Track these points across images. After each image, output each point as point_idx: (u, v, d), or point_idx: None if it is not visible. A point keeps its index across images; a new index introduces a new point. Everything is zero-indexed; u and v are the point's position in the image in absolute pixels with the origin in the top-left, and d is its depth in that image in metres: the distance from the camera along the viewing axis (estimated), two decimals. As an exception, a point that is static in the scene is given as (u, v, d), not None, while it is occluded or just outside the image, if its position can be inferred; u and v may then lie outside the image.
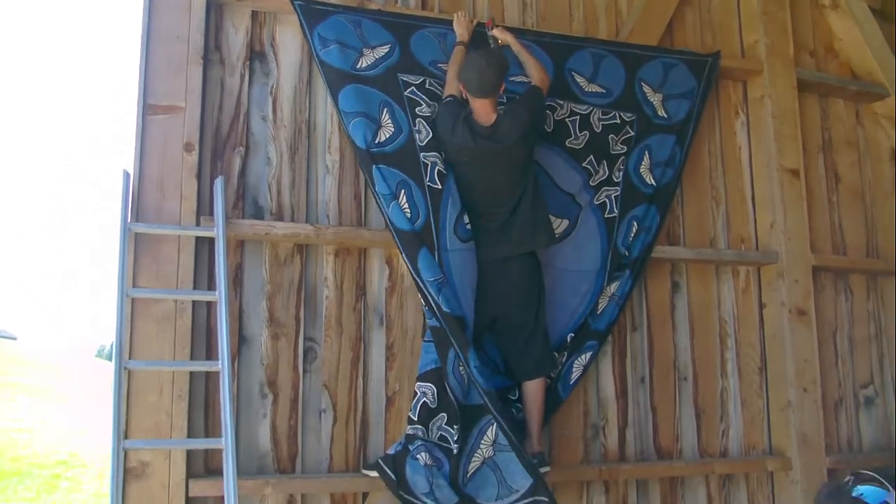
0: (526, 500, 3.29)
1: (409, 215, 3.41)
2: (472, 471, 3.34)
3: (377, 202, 3.50)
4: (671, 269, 4.17)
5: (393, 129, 3.50)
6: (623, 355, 3.98)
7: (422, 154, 3.49)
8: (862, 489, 1.42)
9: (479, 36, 3.73)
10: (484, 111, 3.38)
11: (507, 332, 3.56)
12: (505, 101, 3.57)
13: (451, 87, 3.50)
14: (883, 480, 1.48)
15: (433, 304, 3.35)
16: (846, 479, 1.47)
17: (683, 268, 4.19)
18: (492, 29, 3.71)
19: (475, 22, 3.77)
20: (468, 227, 3.45)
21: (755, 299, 4.33)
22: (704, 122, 4.28)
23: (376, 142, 3.47)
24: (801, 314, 4.21)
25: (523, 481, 3.29)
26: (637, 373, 4.01)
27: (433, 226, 3.42)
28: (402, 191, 3.43)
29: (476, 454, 3.35)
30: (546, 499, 3.27)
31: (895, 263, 4.63)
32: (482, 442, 3.35)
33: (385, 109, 3.53)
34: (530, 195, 3.47)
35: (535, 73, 3.59)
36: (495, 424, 3.36)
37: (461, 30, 3.68)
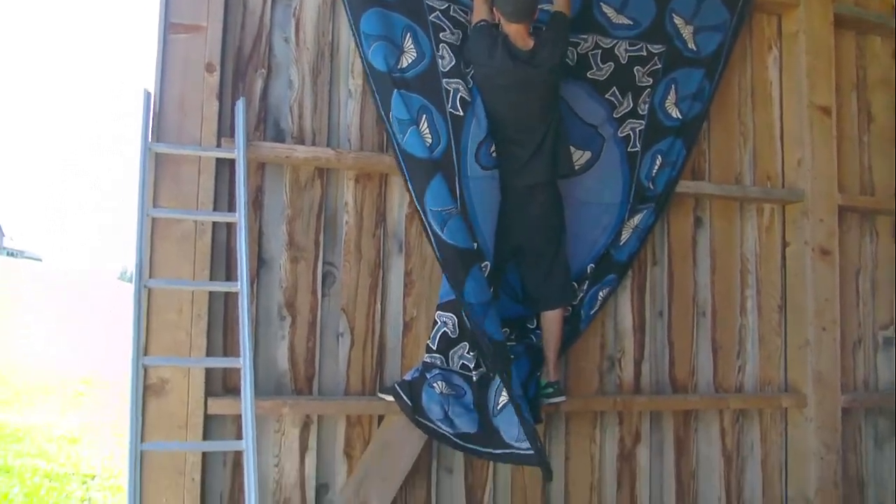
0: (528, 452, 3.30)
1: (429, 142, 3.37)
2: (502, 405, 3.36)
3: (389, 130, 3.44)
4: (695, 204, 4.12)
5: (416, 55, 3.44)
6: (642, 289, 3.98)
7: (444, 80, 3.43)
8: None
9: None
10: (520, 36, 3.34)
11: (529, 261, 3.55)
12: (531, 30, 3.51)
13: (482, 13, 3.44)
14: None
15: (434, 236, 3.33)
16: None
17: (707, 203, 4.15)
18: None
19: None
20: (493, 154, 3.42)
21: (778, 237, 4.28)
22: (736, 56, 4.18)
23: (398, 67, 3.41)
24: (825, 254, 4.16)
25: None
26: (656, 307, 4.01)
27: (454, 152, 3.38)
28: (424, 116, 3.39)
29: (504, 391, 3.36)
30: (533, 453, 3.25)
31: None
32: None
33: (408, 34, 3.46)
34: (556, 125, 3.45)
35: None
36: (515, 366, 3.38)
37: (490, -46, 3.59)
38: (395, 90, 3.40)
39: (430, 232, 3.36)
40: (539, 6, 3.48)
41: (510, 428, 3.30)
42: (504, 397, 3.33)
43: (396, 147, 3.42)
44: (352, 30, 3.51)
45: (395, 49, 3.43)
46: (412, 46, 3.45)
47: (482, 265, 3.34)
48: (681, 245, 4.08)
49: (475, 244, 3.34)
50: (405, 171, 3.41)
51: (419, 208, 3.39)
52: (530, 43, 3.34)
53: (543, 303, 3.53)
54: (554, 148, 3.44)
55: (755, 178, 4.26)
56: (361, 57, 3.49)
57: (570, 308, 3.62)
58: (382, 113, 3.46)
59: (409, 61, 3.43)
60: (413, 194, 3.41)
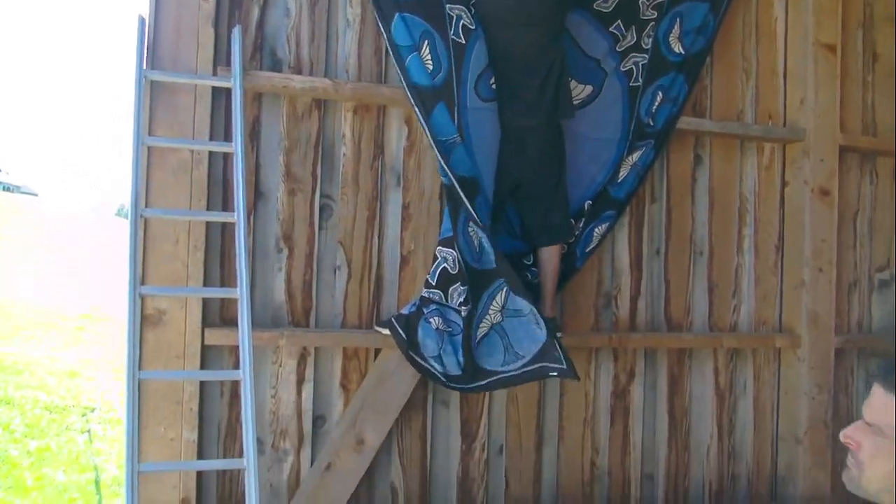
0: (532, 367, 3.32)
1: (430, 68, 3.31)
2: (480, 336, 3.36)
3: (395, 58, 3.37)
4: (695, 141, 4.08)
5: None
6: (640, 226, 3.96)
7: (447, 5, 3.35)
8: None
9: None
10: None
11: (528, 198, 3.52)
12: None
13: None
14: None
15: (443, 164, 3.29)
16: None
17: (707, 141, 4.10)
18: None
19: None
20: (493, 86, 3.36)
21: (778, 177, 4.25)
22: (742, -10, 4.10)
23: None
24: (824, 194, 4.14)
25: (530, 346, 3.31)
26: (653, 244, 3.99)
27: (454, 81, 3.32)
28: (426, 41, 3.31)
29: (485, 320, 3.36)
30: (553, 364, 3.26)
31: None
32: (491, 307, 3.35)
33: None
34: (560, 64, 3.38)
35: None
36: (505, 289, 3.35)
37: None
38: (398, 13, 3.31)
39: (441, 162, 3.30)
40: None
41: (491, 357, 3.32)
42: (483, 328, 3.34)
43: (402, 75, 3.35)
44: None
45: None
46: None
47: (483, 196, 3.31)
48: (680, 183, 4.05)
49: (476, 174, 3.31)
50: (413, 100, 3.34)
51: (428, 136, 3.32)
52: None
53: (541, 238, 3.52)
54: (556, 89, 3.38)
55: (756, 116, 4.20)
56: None
57: (566, 245, 3.61)
58: (388, 41, 3.38)
59: None
60: (423, 124, 3.33)
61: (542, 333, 3.26)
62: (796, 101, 4.19)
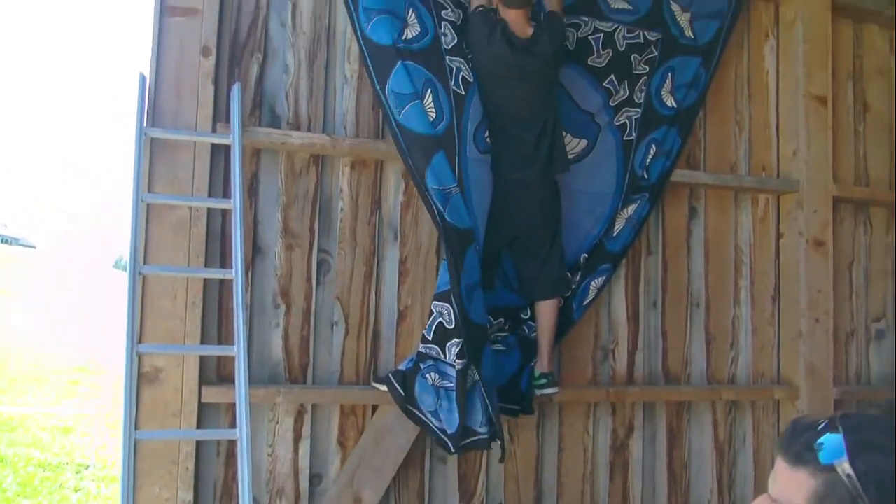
0: (492, 429, 3.33)
1: (432, 117, 3.33)
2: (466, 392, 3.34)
3: (386, 106, 3.38)
4: (689, 193, 4.11)
5: (419, 29, 3.38)
6: (636, 279, 3.96)
7: (447, 57, 3.39)
8: (825, 440, 1.27)
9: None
10: (519, 23, 3.30)
11: (524, 251, 3.53)
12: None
13: None
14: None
15: (438, 215, 3.29)
16: (820, 424, 1.31)
17: (702, 193, 4.13)
18: None
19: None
20: (487, 139, 3.39)
21: (773, 228, 4.27)
22: (733, 44, 4.16)
23: (403, 38, 3.35)
24: (819, 245, 4.16)
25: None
26: (650, 297, 4.00)
27: (455, 130, 3.35)
28: (429, 90, 3.34)
29: (468, 374, 3.33)
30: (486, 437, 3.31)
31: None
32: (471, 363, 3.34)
33: (411, 9, 3.40)
34: (553, 120, 3.43)
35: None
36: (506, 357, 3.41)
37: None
38: (401, 61, 3.33)
39: (435, 211, 3.31)
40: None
41: (473, 415, 3.31)
42: (468, 384, 3.32)
43: (393, 122, 3.36)
44: (348, 6, 3.44)
45: (399, 21, 3.37)
46: (415, 21, 3.39)
47: (476, 247, 3.32)
48: (675, 235, 4.07)
49: (472, 225, 3.32)
50: (404, 148, 3.36)
51: (420, 187, 3.34)
52: (529, 31, 3.31)
53: (538, 292, 3.52)
54: (551, 144, 3.42)
55: (750, 168, 4.24)
56: (358, 33, 3.42)
57: (563, 299, 3.61)
58: (378, 89, 3.40)
59: (414, 34, 3.37)
60: (413, 172, 3.36)
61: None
62: (789, 153, 4.23)
